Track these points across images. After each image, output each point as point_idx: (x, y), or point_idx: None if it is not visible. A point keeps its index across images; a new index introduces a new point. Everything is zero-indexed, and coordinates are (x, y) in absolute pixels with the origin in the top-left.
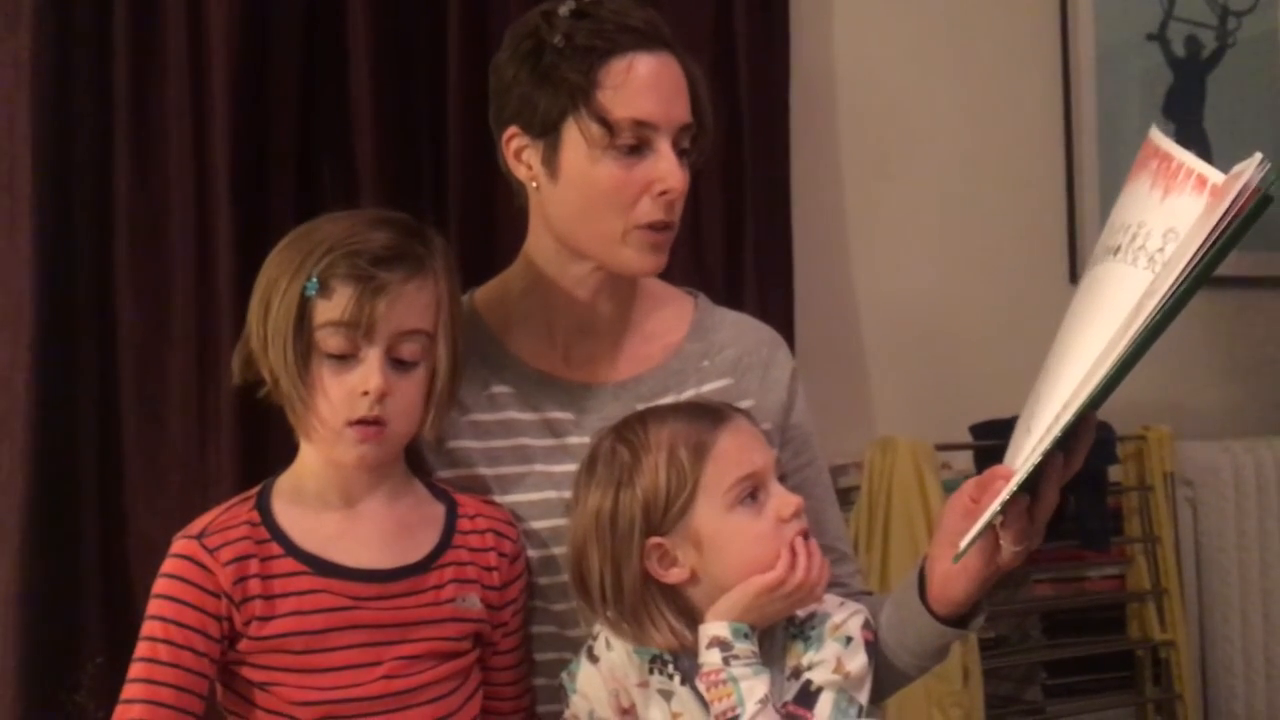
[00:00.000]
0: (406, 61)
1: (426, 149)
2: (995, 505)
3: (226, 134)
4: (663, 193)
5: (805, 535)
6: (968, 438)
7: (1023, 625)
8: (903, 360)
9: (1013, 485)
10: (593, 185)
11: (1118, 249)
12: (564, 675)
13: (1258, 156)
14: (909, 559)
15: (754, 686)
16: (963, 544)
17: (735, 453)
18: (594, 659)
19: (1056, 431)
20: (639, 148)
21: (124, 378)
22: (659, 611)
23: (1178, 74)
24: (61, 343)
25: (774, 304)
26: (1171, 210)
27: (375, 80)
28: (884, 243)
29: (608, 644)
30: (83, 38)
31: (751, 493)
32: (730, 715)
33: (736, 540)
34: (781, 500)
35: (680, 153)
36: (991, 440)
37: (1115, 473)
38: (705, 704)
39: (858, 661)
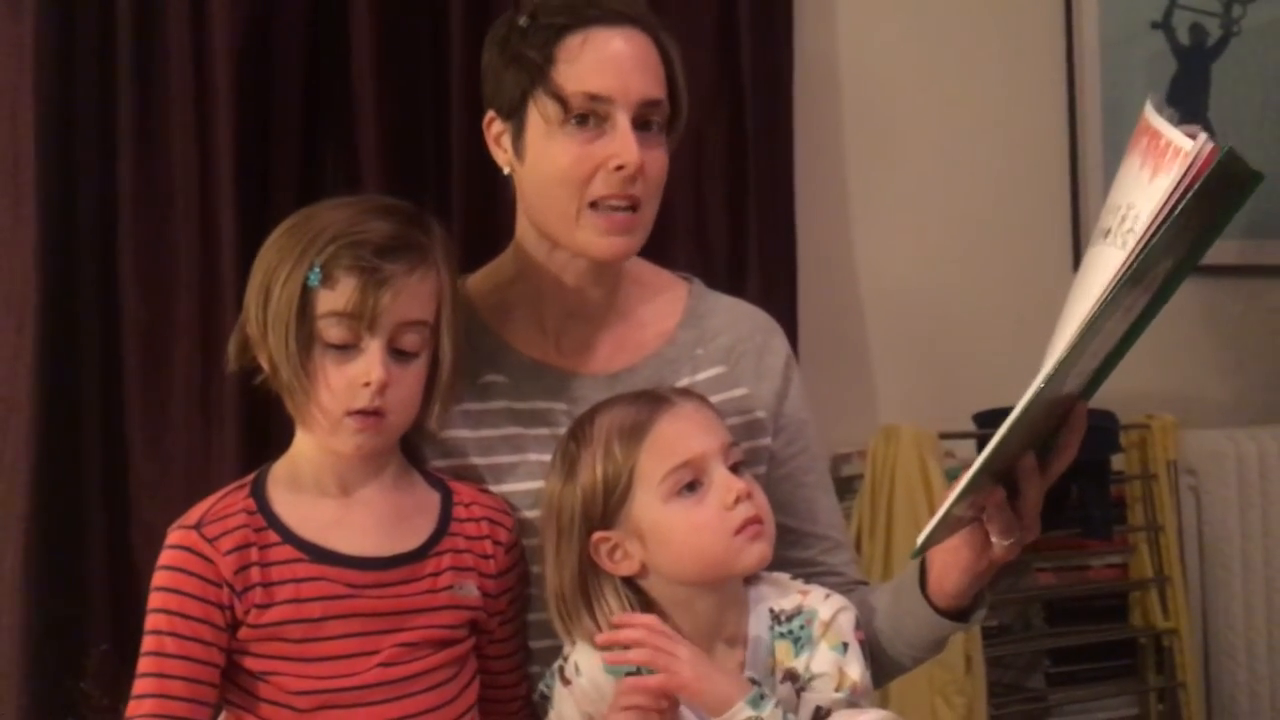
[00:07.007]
0: (410, 49)
1: (430, 137)
2: (952, 497)
3: (230, 122)
4: (619, 167)
5: (758, 520)
6: (971, 426)
7: (1025, 613)
8: (906, 349)
9: (968, 476)
10: (551, 162)
11: (1108, 231)
12: (541, 687)
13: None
14: (912, 548)
15: None
16: (920, 539)
17: (670, 440)
18: (565, 681)
19: (1010, 420)
20: (595, 122)
21: (128, 366)
22: (601, 603)
23: (1182, 62)
24: (65, 331)
25: (777, 293)
26: (1158, 190)
27: (378, 68)
28: (887, 231)
29: (577, 668)
30: (86, 26)
31: (690, 483)
32: None
33: (677, 531)
34: (724, 487)
35: (646, 129)
36: (995, 429)
37: (1118, 461)
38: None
39: (857, 668)
